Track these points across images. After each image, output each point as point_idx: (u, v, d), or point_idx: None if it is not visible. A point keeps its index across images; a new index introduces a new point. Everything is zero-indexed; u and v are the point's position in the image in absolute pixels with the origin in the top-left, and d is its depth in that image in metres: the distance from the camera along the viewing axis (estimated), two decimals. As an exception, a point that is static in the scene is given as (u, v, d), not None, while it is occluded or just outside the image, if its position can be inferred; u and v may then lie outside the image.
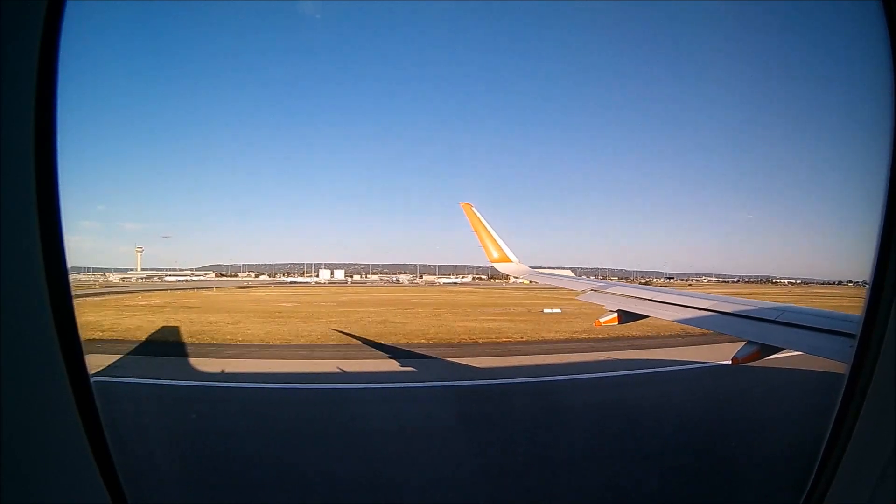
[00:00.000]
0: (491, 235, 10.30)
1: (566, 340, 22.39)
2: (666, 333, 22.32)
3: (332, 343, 21.19)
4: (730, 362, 4.83)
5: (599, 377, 15.04)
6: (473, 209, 10.35)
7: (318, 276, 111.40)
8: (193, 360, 16.50)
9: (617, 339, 21.71)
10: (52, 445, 1.59)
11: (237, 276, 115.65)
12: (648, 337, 22.11)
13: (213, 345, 19.86)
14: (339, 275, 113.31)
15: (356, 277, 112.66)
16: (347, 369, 15.74)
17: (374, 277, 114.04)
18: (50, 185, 1.55)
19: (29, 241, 1.50)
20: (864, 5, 2.05)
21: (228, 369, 15.30)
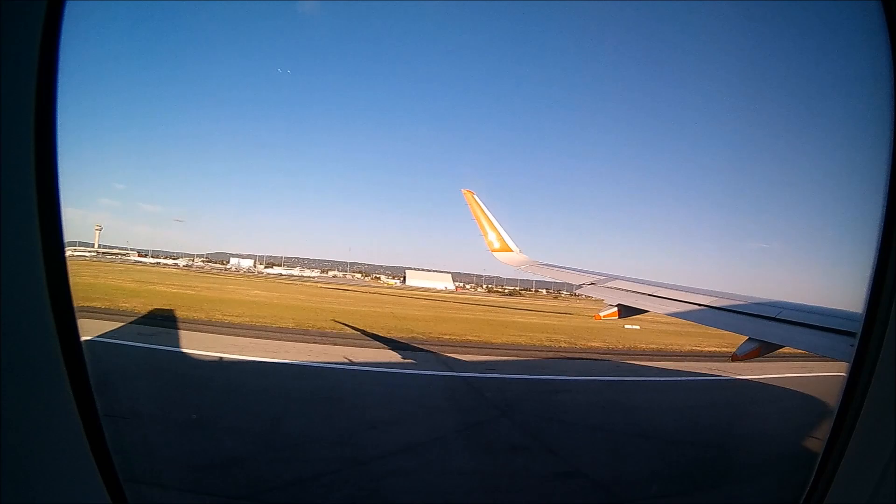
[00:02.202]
0: (492, 224, 10.16)
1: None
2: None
3: None
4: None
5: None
6: (475, 197, 10.25)
7: (227, 263, 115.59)
8: None
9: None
10: (52, 445, 1.59)
11: (176, 258, 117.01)
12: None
13: None
14: (247, 264, 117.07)
15: (259, 267, 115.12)
16: None
17: (279, 269, 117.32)
18: (50, 184, 1.55)
19: (29, 240, 1.50)
20: (864, 5, 2.04)
21: None
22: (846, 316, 4.34)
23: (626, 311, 6.80)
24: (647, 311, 6.65)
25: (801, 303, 5.25)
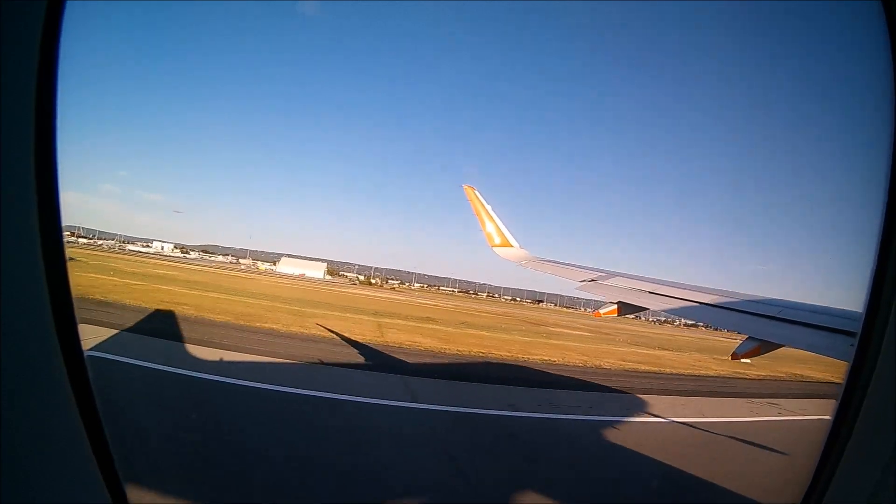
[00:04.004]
0: (493, 219, 10.04)
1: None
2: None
3: None
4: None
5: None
6: (475, 192, 10.13)
7: (150, 245, 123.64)
8: None
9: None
10: (52, 445, 1.59)
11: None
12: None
13: None
14: (168, 247, 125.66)
15: (176, 252, 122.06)
16: None
17: (194, 254, 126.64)
18: (50, 184, 1.54)
19: (29, 240, 1.50)
20: (864, 5, 2.04)
21: None
22: (847, 315, 4.32)
23: (626, 309, 6.79)
24: (648, 309, 6.64)
25: (801, 301, 5.24)
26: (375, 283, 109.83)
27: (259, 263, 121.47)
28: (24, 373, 1.52)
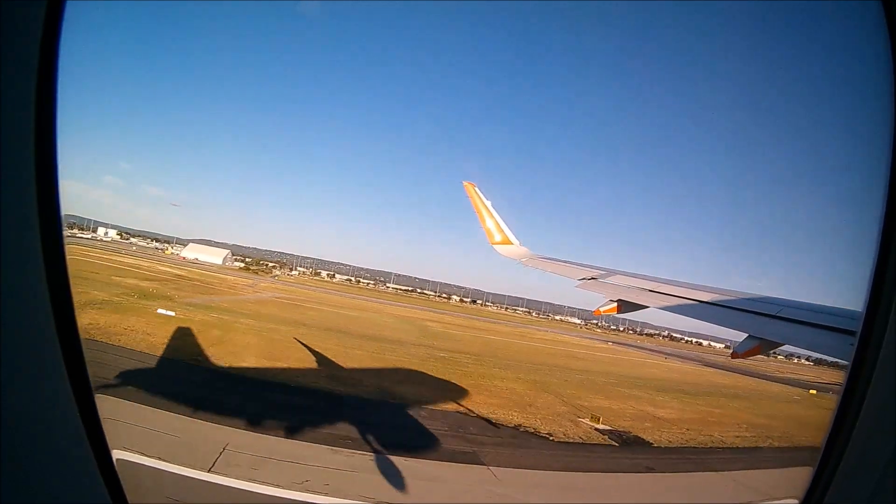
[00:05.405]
0: (493, 217, 10.03)
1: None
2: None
3: None
4: None
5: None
6: (476, 189, 10.09)
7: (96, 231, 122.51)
8: None
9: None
10: (52, 445, 1.60)
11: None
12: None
13: None
14: (111, 233, 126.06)
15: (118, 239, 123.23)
16: None
17: (134, 240, 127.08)
18: (50, 184, 1.55)
19: (29, 240, 1.50)
20: (864, 5, 2.03)
21: None
22: (847, 314, 4.30)
23: (626, 307, 6.77)
24: (647, 307, 6.61)
25: (801, 300, 5.23)
26: (257, 270, 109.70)
27: (167, 247, 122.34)
28: (25, 374, 1.52)
